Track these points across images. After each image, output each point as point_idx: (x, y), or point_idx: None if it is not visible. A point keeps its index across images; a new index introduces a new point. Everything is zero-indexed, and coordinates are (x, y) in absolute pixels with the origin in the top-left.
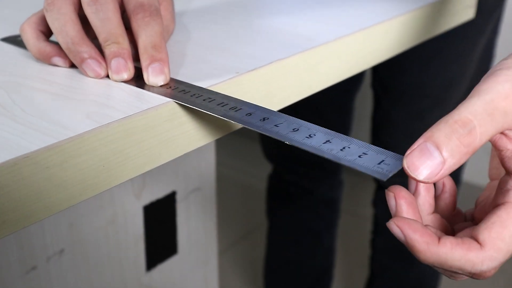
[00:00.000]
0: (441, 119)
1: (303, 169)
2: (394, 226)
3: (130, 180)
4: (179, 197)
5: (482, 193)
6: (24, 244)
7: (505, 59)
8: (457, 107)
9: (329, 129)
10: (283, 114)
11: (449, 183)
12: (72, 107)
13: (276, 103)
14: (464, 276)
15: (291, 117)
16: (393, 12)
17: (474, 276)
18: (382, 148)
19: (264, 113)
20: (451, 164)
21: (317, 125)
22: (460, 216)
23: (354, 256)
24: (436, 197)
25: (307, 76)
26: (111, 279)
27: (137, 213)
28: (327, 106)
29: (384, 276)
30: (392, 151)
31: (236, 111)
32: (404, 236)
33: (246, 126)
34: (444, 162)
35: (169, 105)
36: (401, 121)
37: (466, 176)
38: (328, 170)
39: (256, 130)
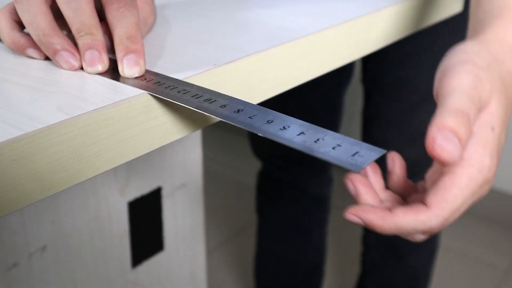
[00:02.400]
0: (447, 106)
1: (292, 166)
2: (350, 215)
3: (114, 176)
4: (164, 193)
5: (431, 168)
6: (5, 240)
7: (453, 54)
8: (449, 102)
9: (318, 125)
10: (258, 106)
11: (398, 160)
12: (43, 99)
13: (255, 96)
14: (420, 235)
15: (266, 109)
16: (378, 4)
17: (426, 233)
18: (372, 143)
19: (238, 105)
20: (463, 146)
21: (306, 121)
22: (412, 188)
23: (345, 252)
24: (389, 174)
25: (289, 69)
26: (96, 276)
27: (122, 209)
28: (316, 102)
29: (376, 273)
30: (383, 147)
31: (210, 103)
32: (361, 219)
33: (220, 118)
34: (461, 145)
35: (143, 97)
36: (392, 116)
37: None
38: (317, 167)
39: (229, 122)
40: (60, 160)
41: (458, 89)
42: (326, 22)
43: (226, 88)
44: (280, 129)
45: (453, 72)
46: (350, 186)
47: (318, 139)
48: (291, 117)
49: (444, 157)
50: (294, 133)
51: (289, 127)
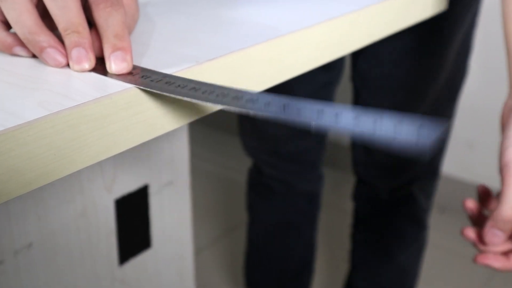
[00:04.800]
0: (496, 214)
1: (282, 163)
2: (479, 262)
3: (100, 173)
4: (152, 191)
5: None
6: None
7: None
8: (501, 204)
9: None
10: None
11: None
12: (25, 96)
13: None
14: None
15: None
16: (362, 2)
17: None
18: (360, 141)
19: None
20: (508, 235)
21: None
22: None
23: (335, 249)
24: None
25: (271, 66)
26: (83, 273)
27: (109, 207)
28: (306, 99)
29: (365, 270)
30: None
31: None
32: (487, 265)
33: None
34: (504, 235)
35: (124, 93)
36: None
37: (445, 169)
38: (307, 164)
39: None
40: (39, 155)
41: None
42: (310, 19)
43: None
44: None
45: None
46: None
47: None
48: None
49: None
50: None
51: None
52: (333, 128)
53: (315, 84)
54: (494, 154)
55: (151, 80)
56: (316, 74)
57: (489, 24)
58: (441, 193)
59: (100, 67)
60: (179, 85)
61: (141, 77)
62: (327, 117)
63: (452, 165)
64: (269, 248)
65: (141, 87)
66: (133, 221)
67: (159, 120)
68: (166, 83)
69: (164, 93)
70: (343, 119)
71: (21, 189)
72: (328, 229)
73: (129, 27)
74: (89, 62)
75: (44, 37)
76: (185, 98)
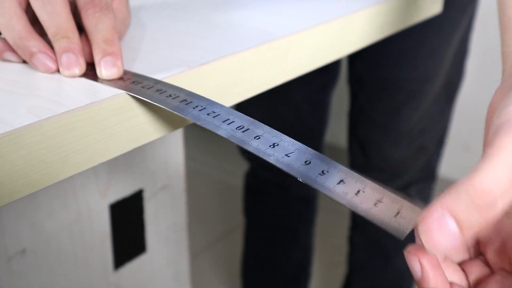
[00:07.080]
0: (461, 185)
1: None
2: None
3: (95, 178)
4: (146, 195)
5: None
6: None
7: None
8: (478, 171)
9: (305, 126)
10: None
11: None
12: (14, 102)
13: (230, 97)
14: None
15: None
16: (356, 6)
17: None
18: (357, 143)
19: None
20: (468, 236)
21: (294, 121)
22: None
23: (332, 253)
24: None
25: (265, 70)
26: (77, 279)
27: (103, 212)
28: (303, 103)
29: (362, 273)
30: (369, 147)
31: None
32: None
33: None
34: (461, 234)
35: (115, 99)
36: (377, 115)
37: (442, 172)
38: None
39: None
40: (29, 162)
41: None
42: (303, 23)
43: (200, 89)
44: (319, 174)
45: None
46: (415, 264)
47: (358, 191)
48: (328, 159)
49: (431, 250)
50: (334, 181)
51: (328, 172)
52: (314, 186)
53: (311, 87)
54: None
55: (142, 87)
56: (312, 77)
57: (485, 27)
58: (438, 195)
59: (90, 72)
60: (169, 95)
61: (132, 82)
62: (312, 173)
63: (449, 167)
64: (266, 252)
65: (132, 94)
66: (128, 226)
67: (151, 126)
68: (157, 90)
69: (154, 103)
70: (328, 180)
71: (12, 195)
72: (325, 232)
73: (120, 32)
74: (79, 67)
75: (34, 42)
76: (175, 112)
